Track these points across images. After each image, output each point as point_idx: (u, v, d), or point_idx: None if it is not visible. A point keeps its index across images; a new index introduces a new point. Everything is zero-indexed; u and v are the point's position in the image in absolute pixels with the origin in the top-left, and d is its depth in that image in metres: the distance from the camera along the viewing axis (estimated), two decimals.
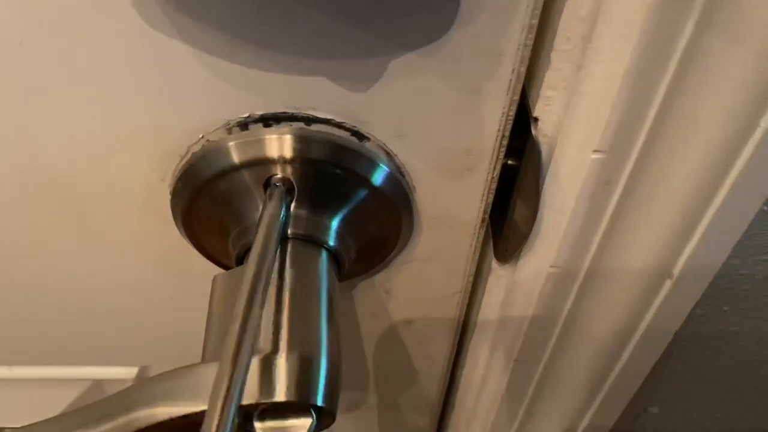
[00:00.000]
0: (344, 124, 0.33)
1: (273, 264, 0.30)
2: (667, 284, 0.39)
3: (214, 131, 0.33)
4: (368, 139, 0.33)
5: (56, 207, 0.37)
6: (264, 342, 0.29)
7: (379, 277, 0.43)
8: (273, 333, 0.30)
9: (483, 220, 0.39)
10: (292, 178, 0.33)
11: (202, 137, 0.33)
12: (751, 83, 0.29)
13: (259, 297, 0.27)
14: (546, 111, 0.33)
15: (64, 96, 0.31)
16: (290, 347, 0.29)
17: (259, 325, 0.28)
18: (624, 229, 0.36)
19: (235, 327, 0.26)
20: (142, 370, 0.53)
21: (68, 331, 0.47)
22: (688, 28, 0.28)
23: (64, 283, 0.42)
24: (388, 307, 0.45)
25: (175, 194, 0.35)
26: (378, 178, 0.34)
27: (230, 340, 0.26)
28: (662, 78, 0.29)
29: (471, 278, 0.43)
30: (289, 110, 0.32)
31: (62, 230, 0.38)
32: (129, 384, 0.56)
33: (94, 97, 0.31)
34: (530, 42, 0.30)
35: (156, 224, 0.37)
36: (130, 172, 0.35)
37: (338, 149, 0.33)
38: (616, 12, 0.28)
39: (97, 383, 0.54)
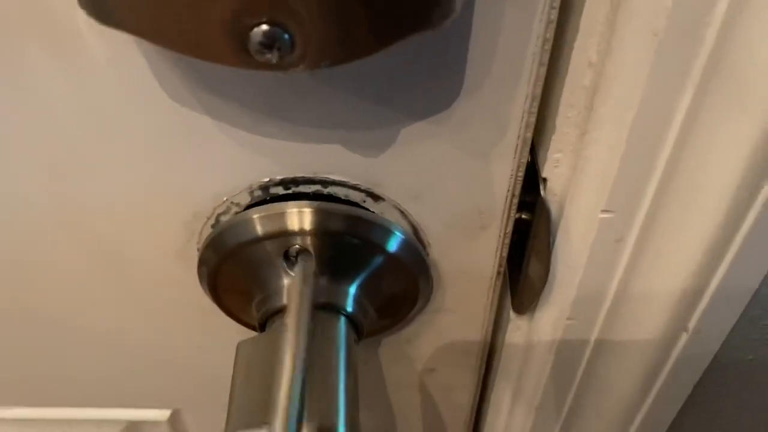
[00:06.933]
0: (359, 186, 0.34)
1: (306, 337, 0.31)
2: (684, 338, 0.39)
3: (238, 194, 0.35)
4: (383, 199, 0.35)
5: (99, 261, 0.39)
6: None
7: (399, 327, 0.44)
8: None
9: (499, 273, 0.40)
10: (311, 249, 0.35)
11: (227, 200, 0.35)
12: (752, 146, 0.30)
13: (299, 377, 0.28)
14: (554, 173, 0.34)
15: (106, 167, 0.34)
16: (309, 417, 0.30)
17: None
18: (637, 284, 0.37)
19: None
20: (175, 413, 0.55)
21: (106, 375, 0.50)
22: (686, 97, 0.29)
23: (101, 328, 0.45)
24: (410, 355, 0.46)
25: (202, 262, 0.37)
26: (393, 244, 0.36)
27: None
28: (664, 143, 0.30)
29: (490, 328, 0.44)
30: (308, 174, 0.34)
31: (102, 281, 0.40)
32: (162, 425, 0.58)
33: (131, 167, 0.34)
34: (534, 109, 0.31)
35: (183, 279, 0.39)
36: (162, 231, 0.37)
37: (354, 220, 0.35)
38: (616, 82, 0.29)
39: (134, 424, 0.56)
